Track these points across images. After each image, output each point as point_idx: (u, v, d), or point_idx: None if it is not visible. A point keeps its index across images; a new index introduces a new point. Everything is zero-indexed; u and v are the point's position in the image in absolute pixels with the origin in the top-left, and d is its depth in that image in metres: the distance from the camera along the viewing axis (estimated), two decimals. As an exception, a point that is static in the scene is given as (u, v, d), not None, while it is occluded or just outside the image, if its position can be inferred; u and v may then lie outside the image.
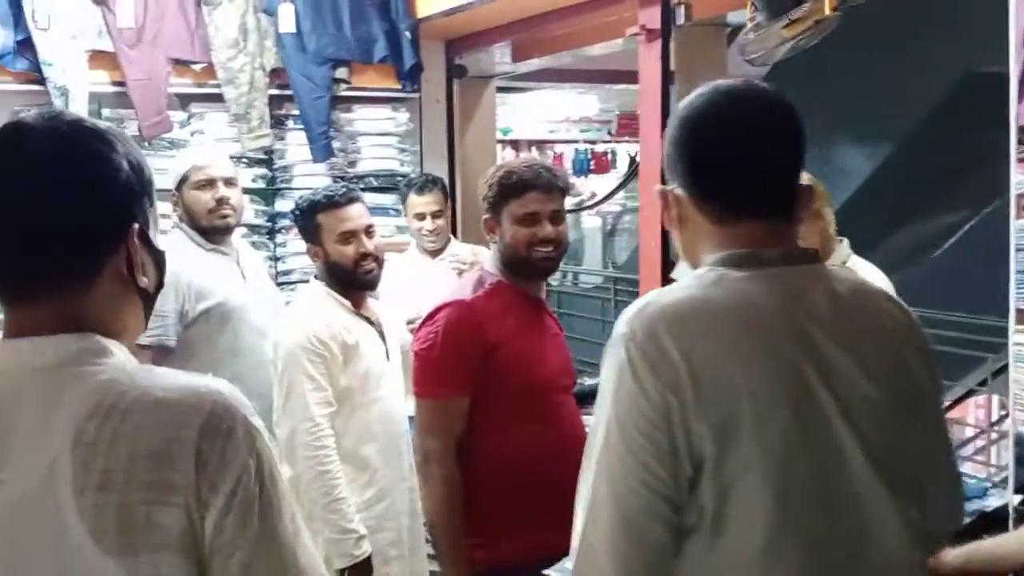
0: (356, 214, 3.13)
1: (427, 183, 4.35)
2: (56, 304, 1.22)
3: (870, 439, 1.40)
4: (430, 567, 3.21)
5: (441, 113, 5.17)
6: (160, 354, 3.20)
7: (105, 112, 4.36)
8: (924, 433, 1.49)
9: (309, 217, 3.13)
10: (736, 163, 1.47)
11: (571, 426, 2.57)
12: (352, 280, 3.12)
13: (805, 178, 1.55)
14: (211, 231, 3.38)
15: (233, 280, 3.40)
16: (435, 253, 4.39)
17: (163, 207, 3.70)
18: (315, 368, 2.96)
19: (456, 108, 5.34)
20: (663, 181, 1.59)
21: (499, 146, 8.56)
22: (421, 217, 4.34)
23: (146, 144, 4.31)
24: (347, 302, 3.11)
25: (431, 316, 2.53)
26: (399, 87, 4.84)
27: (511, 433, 2.50)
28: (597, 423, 1.41)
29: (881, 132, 6.95)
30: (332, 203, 3.10)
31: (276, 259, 4.74)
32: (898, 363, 1.47)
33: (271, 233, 4.75)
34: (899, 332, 1.50)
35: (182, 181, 3.38)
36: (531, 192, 2.55)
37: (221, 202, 3.35)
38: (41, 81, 4.09)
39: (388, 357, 3.19)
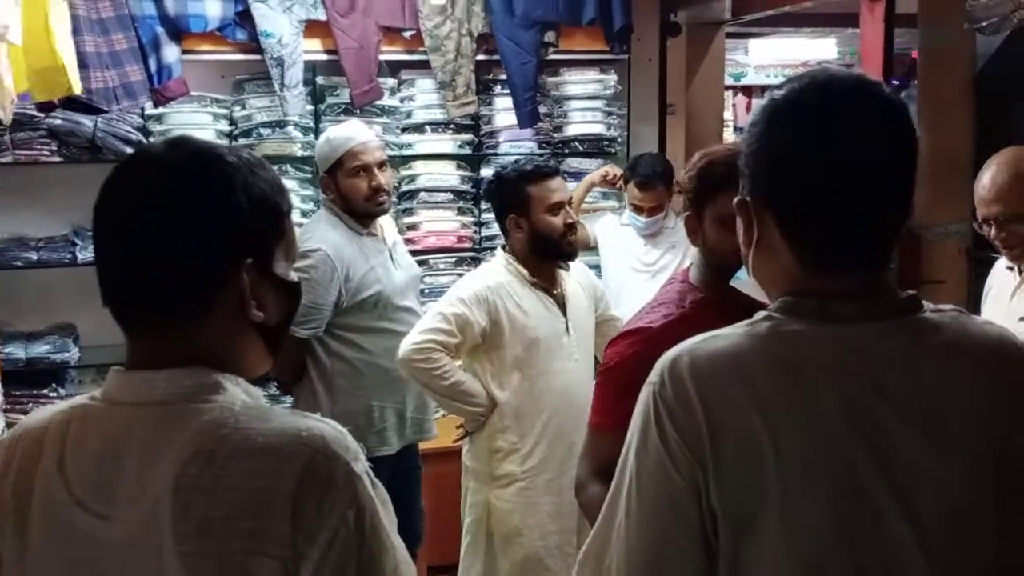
0: (562, 185, 3.20)
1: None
2: (171, 336, 1.22)
3: (941, 549, 1.15)
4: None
5: (652, 74, 4.98)
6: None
7: (319, 80, 4.49)
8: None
9: (517, 187, 3.15)
10: (854, 211, 1.23)
11: None
12: (556, 250, 3.16)
13: None
14: (366, 216, 3.39)
15: (386, 265, 3.41)
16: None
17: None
18: (453, 310, 3.07)
19: (670, 62, 5.05)
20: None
21: (729, 92, 8.24)
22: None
23: (357, 112, 4.41)
24: (524, 271, 3.16)
25: (616, 339, 2.20)
26: (607, 49, 4.70)
27: None
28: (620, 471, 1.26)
29: None
30: (542, 174, 3.15)
31: (480, 224, 4.78)
32: (1007, 450, 1.18)
33: (476, 199, 4.77)
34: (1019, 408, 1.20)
35: (335, 165, 3.35)
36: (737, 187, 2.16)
37: (378, 190, 3.35)
38: (258, 51, 4.23)
39: (568, 331, 3.18)
